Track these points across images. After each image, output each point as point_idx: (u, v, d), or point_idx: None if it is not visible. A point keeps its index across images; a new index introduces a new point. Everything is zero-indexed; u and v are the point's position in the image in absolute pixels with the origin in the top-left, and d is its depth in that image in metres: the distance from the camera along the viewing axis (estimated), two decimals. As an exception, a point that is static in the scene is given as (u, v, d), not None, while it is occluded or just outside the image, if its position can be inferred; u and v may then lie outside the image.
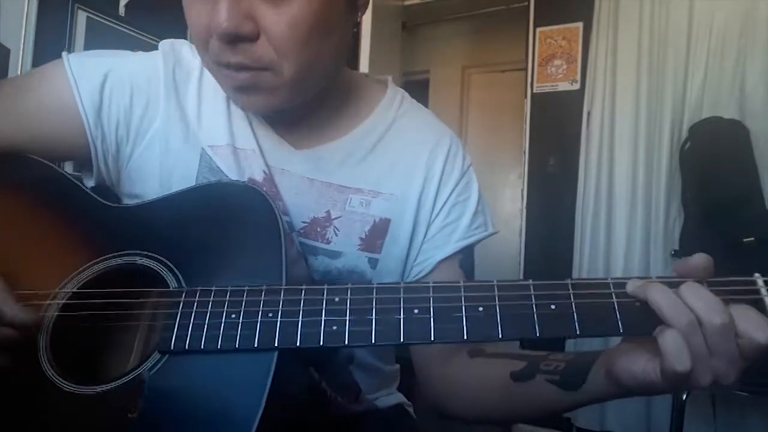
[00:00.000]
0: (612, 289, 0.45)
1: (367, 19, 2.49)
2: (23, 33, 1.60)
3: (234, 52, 0.54)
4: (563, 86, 2.58)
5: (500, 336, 0.46)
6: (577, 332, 0.45)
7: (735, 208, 1.96)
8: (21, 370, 0.51)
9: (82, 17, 1.76)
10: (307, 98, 0.63)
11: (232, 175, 0.65)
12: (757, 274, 0.45)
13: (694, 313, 0.42)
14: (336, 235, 0.66)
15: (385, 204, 0.68)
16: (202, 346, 0.48)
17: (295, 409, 0.54)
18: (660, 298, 0.43)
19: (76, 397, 0.48)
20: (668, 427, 2.15)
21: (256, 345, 0.47)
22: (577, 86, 2.55)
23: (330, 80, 0.66)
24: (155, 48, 0.70)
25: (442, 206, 0.70)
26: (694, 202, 2.13)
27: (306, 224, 0.66)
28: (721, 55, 2.20)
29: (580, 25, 2.55)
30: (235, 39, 0.53)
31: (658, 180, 2.29)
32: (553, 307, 0.46)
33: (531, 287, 0.47)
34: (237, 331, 0.48)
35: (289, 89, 0.58)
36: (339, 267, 0.67)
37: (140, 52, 0.69)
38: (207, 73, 0.67)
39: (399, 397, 0.79)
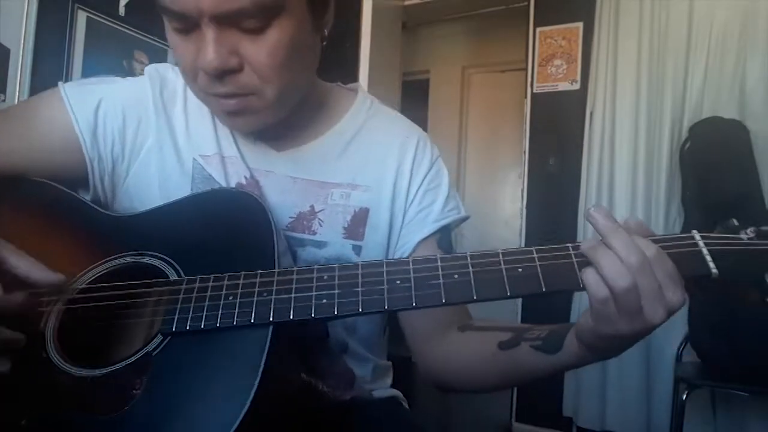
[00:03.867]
0: (571, 251, 0.51)
1: (367, 19, 2.49)
2: (23, 33, 1.60)
3: (222, 84, 0.61)
4: (563, 86, 2.58)
5: (474, 297, 0.50)
6: (543, 289, 0.50)
7: (735, 208, 1.96)
8: (29, 358, 0.54)
9: (82, 17, 1.76)
10: (288, 112, 0.69)
11: (222, 181, 0.71)
12: (694, 231, 0.52)
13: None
14: (321, 226, 0.73)
15: (363, 195, 0.75)
16: (203, 326, 0.51)
17: (287, 396, 0.56)
18: (617, 243, 0.48)
19: (84, 380, 0.52)
20: (668, 427, 2.16)
21: (252, 321, 0.51)
22: (577, 86, 2.55)
23: (307, 84, 0.73)
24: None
25: (416, 193, 0.76)
26: (694, 202, 2.13)
27: (293, 219, 0.72)
28: (721, 55, 2.20)
29: (580, 25, 2.56)
30: (222, 74, 0.60)
31: (658, 180, 2.29)
32: (520, 269, 0.51)
33: (500, 254, 0.52)
34: (235, 309, 0.52)
35: (273, 109, 0.65)
36: (326, 256, 0.72)
37: (128, 78, 0.76)
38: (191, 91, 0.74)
39: (394, 392, 0.84)
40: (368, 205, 0.74)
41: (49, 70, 1.68)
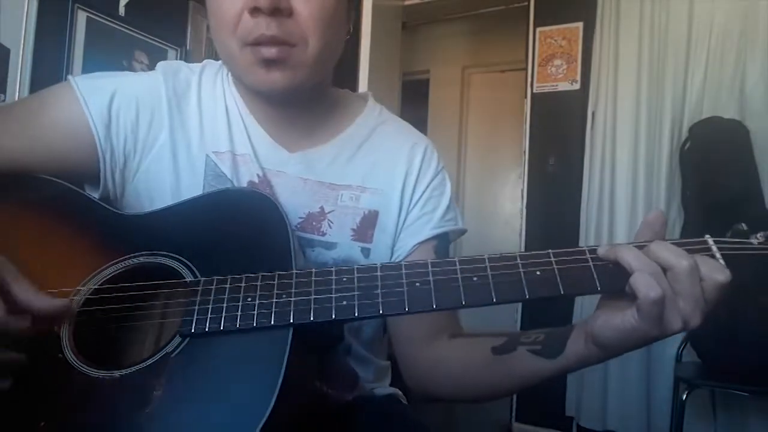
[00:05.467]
0: (588, 255, 0.52)
1: (367, 19, 2.49)
2: (23, 33, 1.60)
3: (268, 27, 0.61)
4: (563, 86, 2.58)
5: (494, 300, 0.51)
6: (561, 291, 0.50)
7: (735, 208, 1.96)
8: (46, 360, 0.54)
9: (82, 17, 1.76)
10: (316, 82, 0.69)
11: (233, 179, 0.71)
12: (707, 235, 0.52)
13: (661, 262, 0.49)
14: (330, 227, 0.73)
15: (373, 197, 0.75)
16: (222, 327, 0.51)
17: (304, 399, 0.56)
18: (627, 254, 0.49)
19: (103, 382, 0.52)
20: (668, 427, 2.16)
21: (272, 323, 0.51)
22: (577, 86, 2.55)
23: (327, 77, 0.74)
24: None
25: (419, 198, 0.77)
26: (694, 202, 2.13)
27: (302, 219, 0.72)
28: (721, 55, 2.20)
29: (580, 25, 2.56)
30: (274, 11, 0.61)
31: (659, 180, 2.29)
32: (538, 273, 0.51)
33: (518, 257, 0.52)
34: (254, 311, 0.52)
35: (311, 66, 0.65)
36: (334, 257, 0.73)
37: (141, 72, 0.76)
38: (205, 85, 0.75)
39: (393, 390, 0.84)
40: (378, 208, 0.75)
41: (49, 70, 1.68)
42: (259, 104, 0.73)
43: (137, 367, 0.52)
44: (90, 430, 0.50)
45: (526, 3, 2.71)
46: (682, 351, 2.13)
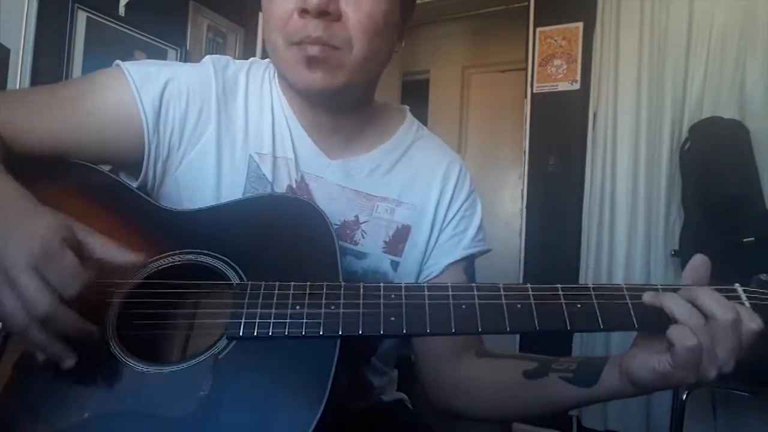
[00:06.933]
0: (625, 292, 0.54)
1: (367, 19, 2.49)
2: (23, 33, 1.60)
3: (315, 29, 0.62)
4: (563, 86, 2.58)
5: (536, 328, 0.53)
6: (601, 326, 0.53)
7: (735, 208, 1.96)
8: (92, 350, 0.53)
9: (82, 17, 1.76)
10: (355, 89, 0.69)
11: (273, 182, 0.71)
12: (737, 284, 0.54)
13: (706, 310, 0.50)
14: (363, 237, 0.74)
15: (407, 212, 0.76)
16: (270, 333, 0.52)
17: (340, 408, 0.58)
18: (671, 303, 0.51)
19: (147, 376, 0.52)
20: (668, 427, 2.16)
21: (321, 333, 0.52)
22: (577, 86, 2.55)
23: (371, 86, 0.75)
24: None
25: (452, 218, 0.79)
26: (694, 202, 2.13)
27: (337, 227, 0.72)
28: (721, 55, 2.20)
29: (580, 25, 2.55)
30: (321, 13, 0.61)
31: (659, 180, 2.29)
32: (579, 306, 0.54)
33: (559, 289, 0.55)
34: (302, 320, 0.53)
35: (353, 70, 0.65)
36: (364, 267, 0.74)
37: (190, 63, 0.75)
38: (252, 83, 0.74)
39: (400, 395, 0.85)
40: (410, 223, 0.76)
41: (49, 70, 1.68)
42: (304, 108, 0.73)
43: (185, 364, 0.52)
44: (134, 422, 0.50)
45: (526, 3, 2.71)
46: (682, 351, 2.13)
